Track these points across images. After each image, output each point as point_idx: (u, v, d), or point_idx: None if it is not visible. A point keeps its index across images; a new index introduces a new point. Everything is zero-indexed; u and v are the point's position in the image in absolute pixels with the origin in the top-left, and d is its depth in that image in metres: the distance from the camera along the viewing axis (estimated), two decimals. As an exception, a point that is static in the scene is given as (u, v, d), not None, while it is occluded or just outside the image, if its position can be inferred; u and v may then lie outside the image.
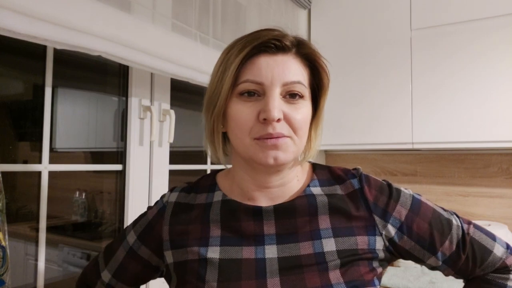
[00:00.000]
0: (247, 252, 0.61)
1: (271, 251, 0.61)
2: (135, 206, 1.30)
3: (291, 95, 0.59)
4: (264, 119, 0.57)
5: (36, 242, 1.06)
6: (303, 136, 0.61)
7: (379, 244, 0.63)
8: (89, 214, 1.30)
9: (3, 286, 0.70)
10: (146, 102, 1.35)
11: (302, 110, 0.60)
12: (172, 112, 1.38)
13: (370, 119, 1.90)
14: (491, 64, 1.64)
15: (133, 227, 0.74)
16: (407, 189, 0.69)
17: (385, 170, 2.18)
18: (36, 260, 1.06)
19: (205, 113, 0.66)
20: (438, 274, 1.56)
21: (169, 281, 0.69)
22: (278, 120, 0.57)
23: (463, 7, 1.71)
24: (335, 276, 0.58)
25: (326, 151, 2.34)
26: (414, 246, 0.65)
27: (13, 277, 0.82)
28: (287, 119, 0.58)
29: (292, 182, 0.67)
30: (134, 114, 1.31)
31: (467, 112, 1.68)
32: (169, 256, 0.66)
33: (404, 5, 1.84)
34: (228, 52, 0.62)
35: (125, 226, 1.28)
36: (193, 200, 0.70)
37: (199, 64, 1.34)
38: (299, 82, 0.59)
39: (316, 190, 0.66)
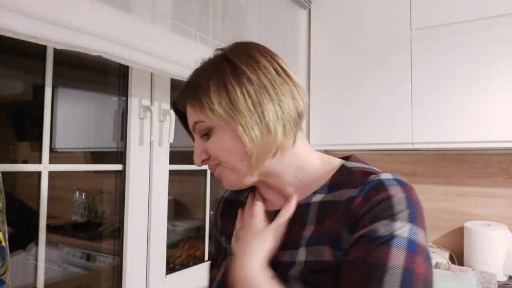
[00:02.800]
0: None
1: None
2: (135, 206, 1.30)
3: (203, 134, 0.65)
4: None
5: (36, 242, 1.06)
6: (227, 158, 0.62)
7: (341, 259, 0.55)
8: (89, 214, 1.30)
9: (3, 286, 0.70)
10: (146, 102, 1.35)
11: (212, 141, 0.63)
12: (172, 112, 1.38)
13: (370, 119, 1.90)
14: (491, 64, 1.64)
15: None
16: (411, 230, 0.52)
17: (385, 170, 2.18)
18: (36, 260, 1.06)
19: None
20: (438, 274, 1.56)
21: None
22: (206, 159, 0.66)
23: (463, 7, 1.71)
24: None
25: (326, 151, 2.34)
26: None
27: (13, 277, 0.82)
28: (209, 153, 0.65)
29: (290, 183, 0.65)
30: (134, 114, 1.31)
31: (467, 112, 1.68)
32: (222, 241, 0.76)
33: (404, 5, 1.84)
34: None
35: (125, 226, 1.28)
36: (237, 197, 0.78)
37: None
38: (194, 123, 0.65)
39: (319, 197, 0.62)
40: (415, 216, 0.53)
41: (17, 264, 1.05)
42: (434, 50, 1.76)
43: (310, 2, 2.11)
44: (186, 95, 0.67)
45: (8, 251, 0.72)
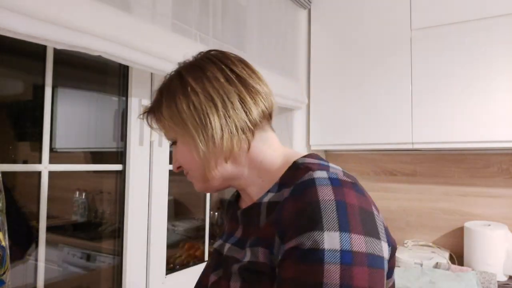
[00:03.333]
0: (224, 248, 0.68)
1: (224, 248, 0.66)
2: (135, 206, 1.30)
3: (172, 142, 0.68)
4: None
5: (36, 242, 1.06)
6: (191, 166, 0.66)
7: (275, 264, 0.53)
8: (89, 214, 1.30)
9: (3, 286, 0.70)
10: (146, 102, 1.35)
11: (177, 149, 0.67)
12: (172, 112, 1.38)
13: (370, 119, 1.90)
14: (491, 64, 1.65)
15: None
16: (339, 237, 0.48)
17: (385, 170, 2.18)
18: (36, 260, 1.06)
19: None
20: (438, 274, 1.56)
21: None
22: (179, 167, 0.69)
23: (463, 7, 1.71)
24: (234, 286, 0.57)
25: (326, 151, 2.34)
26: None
27: (13, 277, 0.82)
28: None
29: (254, 183, 0.66)
30: (134, 114, 1.31)
31: (467, 112, 1.68)
32: None
33: (404, 5, 1.84)
34: None
35: (125, 226, 1.28)
36: (233, 198, 0.80)
37: (199, 64, 1.33)
38: (165, 134, 0.68)
39: (268, 197, 0.60)
40: (346, 221, 0.48)
41: (17, 264, 1.05)
42: (434, 50, 1.76)
43: (310, 2, 2.11)
44: (147, 113, 0.70)
45: (8, 251, 0.72)
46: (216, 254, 0.70)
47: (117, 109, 1.33)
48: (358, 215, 0.49)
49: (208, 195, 1.69)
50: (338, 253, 0.46)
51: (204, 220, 1.69)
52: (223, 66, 0.64)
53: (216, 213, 1.85)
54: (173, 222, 1.60)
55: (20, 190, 1.08)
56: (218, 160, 0.63)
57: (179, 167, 0.69)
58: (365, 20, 1.95)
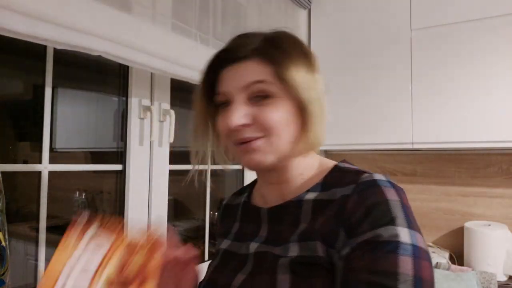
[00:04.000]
0: (243, 249, 0.66)
1: (252, 247, 0.64)
2: (135, 206, 1.30)
3: (258, 97, 0.59)
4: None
5: (36, 242, 1.06)
6: (281, 134, 0.59)
7: (335, 258, 0.54)
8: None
9: (3, 286, 0.70)
10: (146, 102, 1.35)
11: (271, 108, 0.58)
12: (172, 112, 1.38)
13: (370, 119, 1.90)
14: (491, 64, 1.64)
15: None
16: (404, 228, 0.52)
17: (385, 170, 2.18)
18: (36, 260, 1.06)
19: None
20: (438, 274, 1.56)
21: None
22: (247, 125, 0.59)
23: (463, 7, 1.71)
24: (282, 279, 0.55)
25: (326, 151, 2.34)
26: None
27: (13, 277, 0.82)
28: (257, 121, 0.59)
29: (295, 179, 0.64)
30: (134, 114, 1.31)
31: (467, 112, 1.68)
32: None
33: (404, 5, 1.84)
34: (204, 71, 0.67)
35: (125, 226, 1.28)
36: (234, 201, 0.79)
37: (199, 64, 1.33)
38: (258, 82, 0.59)
39: (311, 195, 0.61)
40: (410, 220, 0.53)
41: (17, 264, 1.05)
42: (434, 50, 1.76)
43: (310, 2, 2.11)
44: (262, 49, 0.60)
45: (8, 251, 0.72)
46: (229, 254, 0.67)
47: (117, 109, 1.33)
48: (413, 216, 0.55)
49: (208, 195, 1.69)
50: (410, 246, 0.50)
51: (204, 220, 1.69)
52: None
53: (216, 213, 1.85)
54: (173, 222, 1.60)
55: (20, 190, 1.08)
56: (314, 143, 0.62)
57: (246, 125, 0.58)
58: (365, 20, 1.95)
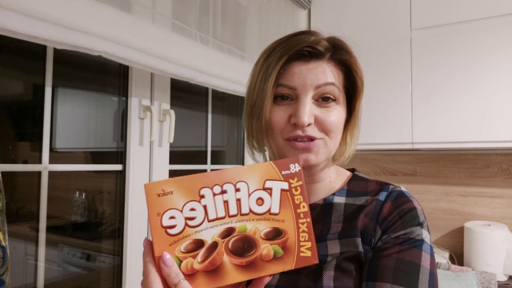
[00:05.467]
0: None
1: None
2: (135, 206, 1.30)
3: (323, 99, 0.61)
4: (295, 124, 0.60)
5: (36, 242, 1.06)
6: (335, 138, 0.63)
7: (368, 253, 0.61)
8: (89, 214, 1.30)
9: (3, 286, 0.70)
10: (146, 102, 1.35)
11: (334, 112, 0.62)
12: (172, 112, 1.38)
13: (370, 119, 1.90)
14: (491, 64, 1.64)
15: None
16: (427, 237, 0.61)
17: (385, 170, 2.18)
18: (36, 260, 1.06)
19: (247, 119, 0.67)
20: (438, 274, 1.56)
21: None
22: (308, 124, 0.60)
23: (463, 7, 1.71)
24: (328, 276, 0.59)
25: (326, 151, 2.34)
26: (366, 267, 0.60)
27: (13, 277, 0.82)
28: (319, 122, 0.61)
29: (324, 181, 0.69)
30: (134, 114, 1.31)
31: (467, 112, 1.68)
32: None
33: (404, 5, 1.84)
34: (266, 59, 0.65)
35: (125, 226, 1.28)
36: None
37: (199, 64, 1.34)
38: (331, 84, 0.61)
39: (339, 199, 0.67)
40: (427, 225, 0.63)
41: (17, 264, 1.05)
42: (434, 50, 1.76)
43: (310, 2, 2.11)
44: (336, 51, 0.64)
45: (8, 251, 0.72)
46: None
47: (117, 109, 1.33)
48: None
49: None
50: (429, 246, 0.60)
51: (204, 220, 1.69)
52: None
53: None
54: (173, 222, 1.60)
55: (20, 190, 1.08)
56: (350, 150, 0.69)
57: (309, 124, 0.60)
58: (365, 20, 1.95)
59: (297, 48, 0.61)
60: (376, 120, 1.88)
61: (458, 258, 1.88)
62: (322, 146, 0.62)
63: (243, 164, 1.93)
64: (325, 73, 0.61)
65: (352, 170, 0.74)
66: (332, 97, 0.61)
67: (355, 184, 0.70)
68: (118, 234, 1.30)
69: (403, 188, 0.67)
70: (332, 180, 0.70)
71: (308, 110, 0.59)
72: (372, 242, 0.61)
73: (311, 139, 0.61)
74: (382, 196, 0.65)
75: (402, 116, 1.82)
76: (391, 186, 0.66)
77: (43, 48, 1.08)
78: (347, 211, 0.65)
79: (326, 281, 0.58)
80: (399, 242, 0.59)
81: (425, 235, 0.61)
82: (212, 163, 1.72)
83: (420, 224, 0.61)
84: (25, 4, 0.83)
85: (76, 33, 0.94)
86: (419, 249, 0.59)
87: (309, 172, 0.66)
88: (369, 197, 0.66)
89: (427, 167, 2.08)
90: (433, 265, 0.59)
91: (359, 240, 0.61)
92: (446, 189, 2.02)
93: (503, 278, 1.68)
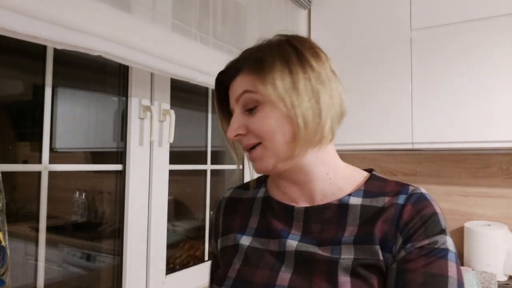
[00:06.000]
0: (273, 245, 0.66)
1: (291, 245, 0.64)
2: (135, 206, 1.30)
3: (248, 108, 0.64)
4: None
5: (36, 242, 1.06)
6: (275, 138, 0.62)
7: (389, 262, 0.59)
8: (89, 214, 1.30)
9: (3, 286, 0.70)
10: (146, 102, 1.35)
11: (261, 115, 0.62)
12: (172, 112, 1.38)
13: (370, 119, 1.90)
14: (491, 64, 1.64)
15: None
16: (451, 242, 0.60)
17: (385, 170, 2.18)
18: (36, 260, 1.06)
19: None
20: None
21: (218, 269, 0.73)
22: (241, 135, 0.65)
23: (464, 7, 1.71)
24: (343, 281, 0.57)
25: (326, 151, 2.34)
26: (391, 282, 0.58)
27: (13, 277, 0.82)
28: (250, 130, 0.63)
29: (323, 180, 0.66)
30: (134, 114, 1.31)
31: (467, 112, 1.68)
32: (219, 243, 0.75)
33: (404, 5, 1.84)
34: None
35: (125, 226, 1.28)
36: (241, 195, 0.78)
37: (199, 64, 1.34)
38: (244, 92, 0.63)
39: (356, 200, 0.65)
40: (448, 231, 0.62)
41: (17, 264, 1.05)
42: (434, 50, 1.76)
43: (310, 2, 2.11)
44: (245, 63, 0.65)
45: (8, 251, 0.72)
46: (256, 251, 0.66)
47: (117, 109, 1.33)
48: None
49: (208, 195, 1.69)
50: (454, 254, 0.59)
51: (204, 220, 1.69)
52: (327, 58, 0.67)
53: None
54: (173, 222, 1.60)
55: (20, 190, 1.08)
56: (312, 140, 0.62)
57: (239, 135, 0.64)
58: (365, 20, 1.95)
59: (219, 82, 0.70)
60: (376, 120, 1.88)
61: (458, 258, 1.88)
62: (263, 151, 0.63)
63: (243, 164, 1.93)
64: (240, 84, 0.64)
65: (369, 171, 0.71)
66: (253, 103, 0.63)
67: (373, 184, 0.67)
68: (118, 234, 1.30)
69: (423, 190, 0.64)
70: (333, 178, 0.67)
71: (235, 124, 0.64)
72: (394, 250, 0.59)
73: (252, 147, 0.64)
74: (401, 199, 0.62)
75: (402, 116, 1.82)
76: (410, 188, 0.64)
77: (43, 48, 1.08)
78: (364, 214, 0.63)
79: (342, 286, 0.57)
80: (424, 254, 0.58)
81: (449, 242, 0.60)
82: (212, 163, 1.72)
83: (443, 231, 0.60)
84: (25, 4, 0.83)
85: (76, 33, 0.94)
86: (445, 259, 0.58)
87: (291, 174, 0.66)
88: (387, 198, 0.63)
89: (427, 167, 2.08)
90: (460, 273, 0.58)
91: (377, 247, 0.59)
92: (446, 189, 2.02)
93: (503, 278, 1.68)
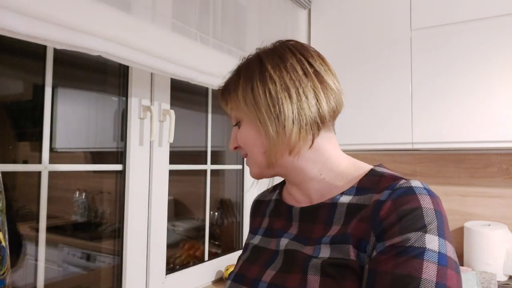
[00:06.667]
0: (272, 244, 0.68)
1: (283, 244, 0.66)
2: (135, 206, 1.30)
3: (236, 123, 0.70)
4: None
5: (36, 242, 1.06)
6: (253, 149, 0.67)
7: (365, 262, 0.55)
8: (89, 214, 1.30)
9: (3, 286, 0.70)
10: (146, 102, 1.35)
11: (241, 131, 0.68)
12: (172, 112, 1.38)
13: (370, 119, 1.90)
14: (491, 64, 1.64)
15: None
16: (439, 240, 0.52)
17: (385, 170, 2.18)
18: (36, 260, 1.06)
19: None
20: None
21: None
22: (236, 147, 0.71)
23: (463, 7, 1.71)
24: (312, 279, 0.56)
25: (326, 151, 2.34)
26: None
27: (13, 277, 0.82)
28: (238, 142, 0.70)
29: (317, 180, 0.67)
30: (134, 114, 1.31)
31: (467, 112, 1.68)
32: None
33: (404, 5, 1.84)
34: None
35: (125, 226, 1.28)
36: (265, 197, 0.83)
37: (199, 64, 1.34)
38: (230, 110, 0.70)
39: (346, 198, 0.62)
40: (443, 229, 0.53)
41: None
42: (434, 50, 1.76)
43: (310, 2, 2.11)
44: (222, 89, 0.72)
45: (8, 251, 0.72)
46: (258, 249, 0.70)
47: (117, 109, 1.33)
48: (447, 225, 0.55)
49: (208, 195, 1.69)
50: (436, 254, 0.50)
51: (204, 220, 1.69)
52: (302, 58, 0.66)
53: (216, 213, 1.85)
54: (173, 222, 1.60)
55: (20, 190, 1.08)
56: (281, 151, 0.64)
57: (236, 147, 0.71)
58: (365, 20, 1.95)
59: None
60: (376, 120, 1.88)
61: (458, 258, 1.88)
62: (249, 160, 0.70)
63: (243, 164, 1.93)
64: (226, 104, 0.71)
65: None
66: (236, 120, 0.70)
67: (367, 181, 0.63)
68: (118, 234, 1.30)
69: (415, 182, 0.57)
70: (327, 177, 0.66)
71: (232, 137, 0.71)
72: (368, 249, 0.55)
73: (243, 156, 0.72)
74: (384, 194, 0.57)
75: (402, 116, 1.82)
76: (400, 182, 0.57)
77: (43, 48, 1.08)
78: (348, 212, 0.60)
79: (311, 284, 0.56)
80: (394, 254, 0.51)
81: (431, 240, 0.51)
82: (212, 163, 1.72)
83: (423, 228, 0.52)
84: (25, 4, 0.83)
85: (76, 33, 0.94)
86: (420, 259, 0.50)
87: (285, 176, 0.70)
88: (375, 195, 0.58)
89: (427, 167, 2.08)
90: (444, 275, 0.49)
91: (349, 247, 0.56)
92: (446, 189, 2.02)
93: (503, 278, 1.68)
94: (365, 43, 1.94)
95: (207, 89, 1.70)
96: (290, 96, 0.62)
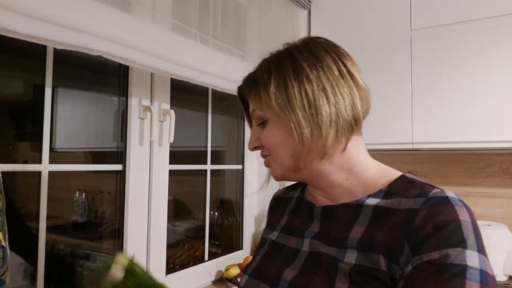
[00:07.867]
0: (292, 242, 0.67)
1: (305, 243, 0.64)
2: (135, 206, 1.30)
3: (259, 122, 0.66)
4: None
5: (36, 242, 1.06)
6: (279, 151, 0.63)
7: (398, 274, 0.52)
8: (89, 214, 1.30)
9: (3, 286, 0.70)
10: (146, 102, 1.35)
11: (267, 131, 0.64)
12: (172, 112, 1.38)
13: (369, 119, 1.89)
14: (491, 64, 1.64)
15: None
16: (479, 258, 0.49)
17: (385, 170, 2.18)
18: (36, 260, 1.06)
19: None
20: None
21: None
22: (256, 147, 0.68)
23: (463, 7, 1.71)
24: (340, 287, 0.54)
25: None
26: None
27: (13, 277, 0.82)
28: (261, 143, 0.66)
29: (343, 185, 0.64)
30: (134, 114, 1.31)
31: (467, 112, 1.68)
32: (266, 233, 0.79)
33: (404, 5, 1.84)
34: None
35: (125, 226, 1.28)
36: (286, 194, 0.81)
37: (199, 64, 1.34)
38: (253, 110, 0.66)
39: (373, 201, 0.60)
40: (481, 244, 0.50)
41: (17, 264, 1.05)
42: (434, 50, 1.76)
43: (310, 2, 2.11)
44: (246, 85, 0.68)
45: (8, 251, 0.72)
46: (277, 245, 0.69)
47: (117, 109, 1.33)
48: (483, 239, 0.52)
49: (208, 195, 1.69)
50: (478, 271, 0.48)
51: (204, 220, 1.69)
52: (336, 58, 0.64)
53: (216, 213, 1.85)
54: (173, 222, 1.60)
55: (20, 190, 1.08)
56: (314, 155, 0.60)
57: (256, 148, 0.68)
58: (365, 20, 1.95)
59: (241, 94, 0.71)
60: (376, 120, 1.88)
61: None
62: (271, 161, 0.66)
63: (243, 164, 1.93)
64: (251, 103, 0.67)
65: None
66: (260, 119, 0.65)
67: (397, 185, 0.60)
68: (118, 234, 1.30)
69: (450, 193, 0.54)
70: (354, 182, 0.64)
71: (252, 137, 0.68)
72: (401, 262, 0.51)
73: (264, 156, 0.68)
74: (418, 202, 0.54)
75: (402, 116, 1.82)
76: (434, 190, 0.55)
77: (43, 48, 1.08)
78: (375, 215, 0.57)
79: None
80: (434, 271, 0.48)
81: (471, 256, 0.48)
82: (212, 163, 1.72)
83: (462, 243, 0.49)
84: (25, 4, 0.83)
85: (76, 33, 0.94)
86: (462, 277, 0.46)
87: (309, 180, 0.67)
88: (404, 200, 0.55)
89: (427, 167, 2.08)
90: None
91: (379, 257, 0.53)
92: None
93: (503, 278, 1.68)
94: (365, 43, 1.94)
95: (207, 89, 1.70)
96: (327, 97, 0.59)
